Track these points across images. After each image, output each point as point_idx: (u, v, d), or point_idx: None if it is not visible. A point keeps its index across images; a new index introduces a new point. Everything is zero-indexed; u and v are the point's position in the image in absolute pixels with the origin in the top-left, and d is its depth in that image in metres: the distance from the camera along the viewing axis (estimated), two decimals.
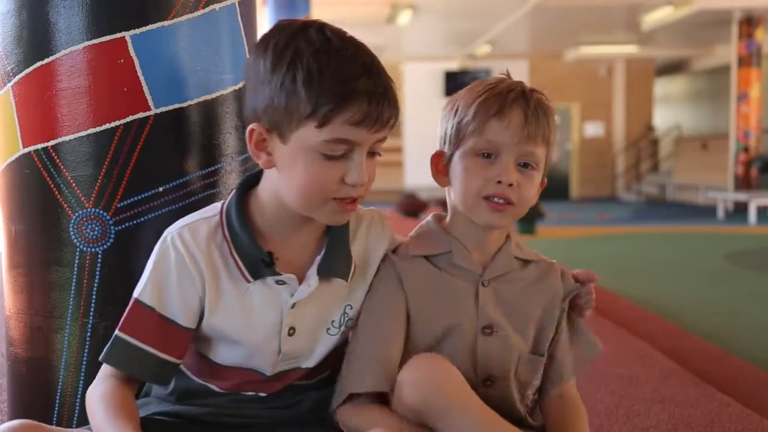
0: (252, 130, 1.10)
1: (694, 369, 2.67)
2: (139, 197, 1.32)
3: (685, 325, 3.88)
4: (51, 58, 1.32)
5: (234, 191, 1.17)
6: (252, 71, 1.10)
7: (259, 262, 1.13)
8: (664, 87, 17.84)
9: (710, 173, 13.42)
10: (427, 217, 1.31)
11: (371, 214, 1.27)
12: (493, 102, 1.20)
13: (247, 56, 1.12)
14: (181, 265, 1.14)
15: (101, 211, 1.33)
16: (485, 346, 1.22)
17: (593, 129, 16.71)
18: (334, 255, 1.18)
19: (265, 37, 1.10)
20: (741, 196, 11.01)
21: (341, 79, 1.03)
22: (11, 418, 1.50)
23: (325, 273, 1.16)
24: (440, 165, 1.26)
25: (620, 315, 3.80)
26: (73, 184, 1.33)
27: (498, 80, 1.24)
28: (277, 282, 1.15)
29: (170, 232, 1.16)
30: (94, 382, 1.16)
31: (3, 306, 1.49)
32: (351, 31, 1.12)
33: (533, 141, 1.20)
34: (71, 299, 1.35)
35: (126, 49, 1.30)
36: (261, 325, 1.16)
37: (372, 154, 1.11)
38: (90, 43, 1.30)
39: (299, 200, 1.11)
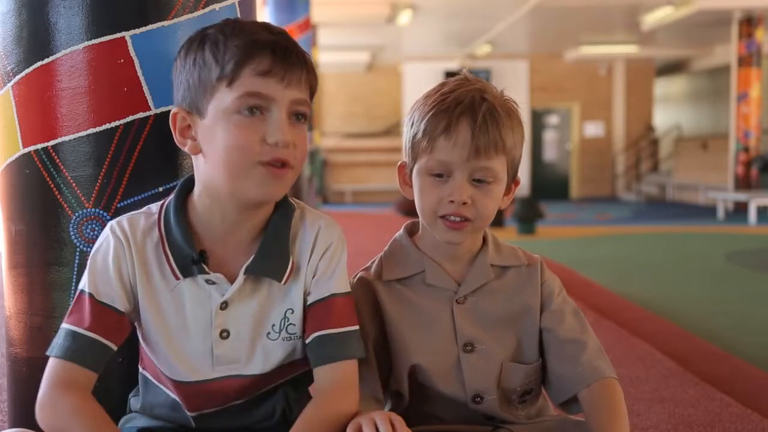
0: (174, 115, 1.12)
1: (694, 369, 2.66)
2: (139, 197, 1.32)
3: (685, 325, 3.88)
4: (51, 58, 1.32)
5: (175, 191, 1.18)
6: (173, 71, 1.15)
7: (189, 260, 1.13)
8: (664, 87, 17.84)
9: (710, 173, 13.43)
10: (400, 230, 1.29)
11: (326, 220, 1.21)
12: (441, 118, 1.17)
13: None
14: (119, 249, 1.15)
15: (101, 211, 1.33)
16: (468, 363, 1.21)
17: (593, 129, 16.72)
18: (268, 254, 1.15)
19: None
20: (741, 196, 11.01)
21: (242, 36, 1.08)
22: (11, 418, 1.50)
23: (253, 272, 1.14)
24: (405, 176, 1.25)
25: (620, 315, 3.80)
26: (73, 184, 1.33)
27: (452, 87, 1.20)
28: (207, 281, 1.14)
29: (111, 222, 1.18)
30: (45, 401, 1.11)
31: (3, 306, 1.49)
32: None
33: (485, 155, 1.16)
34: (71, 299, 1.34)
35: (126, 49, 1.30)
36: (193, 324, 1.15)
37: (297, 118, 1.12)
38: (90, 43, 1.30)
39: (226, 173, 1.09)
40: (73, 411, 1.09)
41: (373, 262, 1.28)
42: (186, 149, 1.13)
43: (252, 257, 1.14)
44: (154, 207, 1.19)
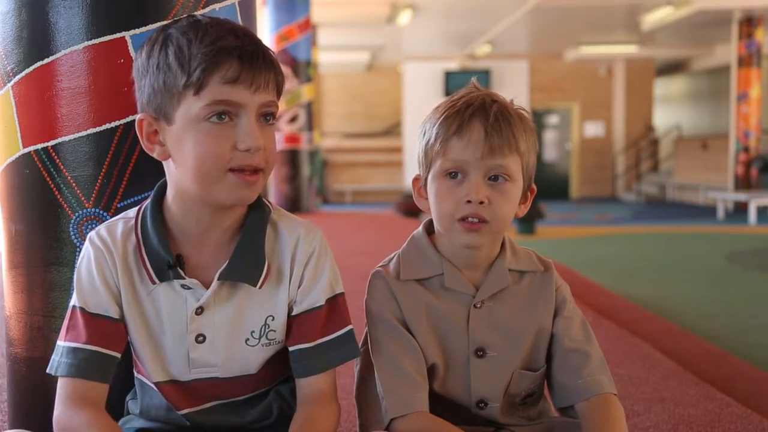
0: (140, 121, 1.11)
1: (694, 369, 2.66)
2: (139, 197, 1.32)
3: (685, 325, 3.88)
4: (51, 58, 1.32)
5: (151, 195, 1.17)
6: (134, 72, 1.13)
7: (165, 264, 1.12)
8: (664, 87, 17.84)
9: (710, 173, 13.43)
10: (418, 228, 1.29)
11: (305, 227, 1.20)
12: (453, 120, 1.17)
13: None
14: (101, 258, 1.15)
15: (101, 211, 1.33)
16: (477, 369, 1.21)
17: (593, 129, 16.71)
18: (242, 259, 1.14)
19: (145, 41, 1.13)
20: (741, 196, 11.01)
21: (208, 42, 1.05)
22: (11, 418, 1.50)
23: (227, 277, 1.13)
24: (420, 190, 1.25)
25: (620, 315, 3.80)
26: (73, 184, 1.33)
27: (461, 95, 1.21)
28: (183, 286, 1.13)
29: (90, 234, 1.18)
30: (60, 419, 1.11)
31: (3, 306, 1.49)
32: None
33: (499, 153, 1.16)
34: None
35: (126, 49, 1.30)
36: (169, 328, 1.15)
37: (266, 119, 1.10)
38: (90, 43, 1.30)
39: (197, 179, 1.08)
40: (88, 425, 1.09)
41: (390, 260, 1.27)
42: (154, 155, 1.12)
43: (227, 262, 1.13)
44: (132, 212, 1.19)
